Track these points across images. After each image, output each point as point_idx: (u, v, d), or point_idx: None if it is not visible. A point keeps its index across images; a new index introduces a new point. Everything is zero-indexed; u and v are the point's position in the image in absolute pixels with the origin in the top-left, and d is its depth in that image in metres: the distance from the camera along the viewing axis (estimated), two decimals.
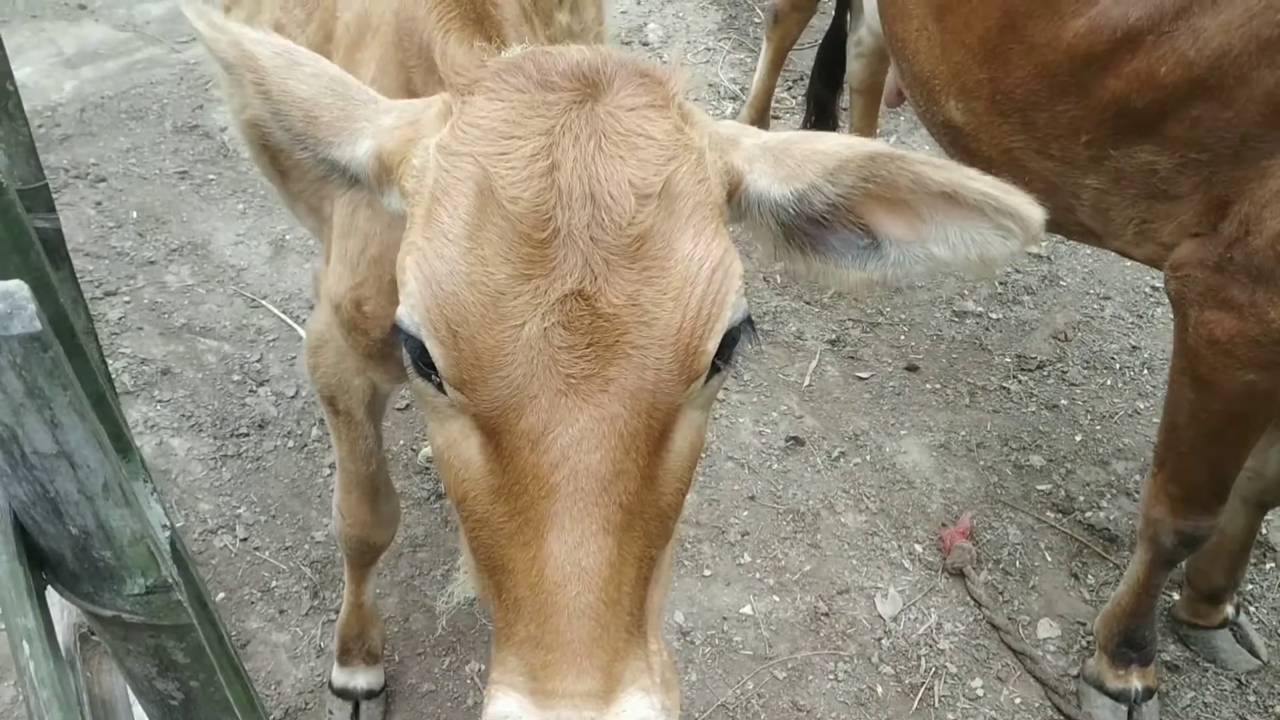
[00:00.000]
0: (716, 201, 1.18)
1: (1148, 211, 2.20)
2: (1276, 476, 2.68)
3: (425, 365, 1.14)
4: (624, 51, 1.20)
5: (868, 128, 3.97)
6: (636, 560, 1.11)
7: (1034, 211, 1.13)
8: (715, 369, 1.16)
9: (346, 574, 2.60)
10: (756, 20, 5.22)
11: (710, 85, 4.94)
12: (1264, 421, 2.29)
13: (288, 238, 4.00)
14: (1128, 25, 2.01)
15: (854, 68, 3.89)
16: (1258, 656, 2.96)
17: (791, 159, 1.23)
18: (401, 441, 3.37)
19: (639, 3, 5.39)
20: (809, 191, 1.20)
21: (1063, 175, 2.28)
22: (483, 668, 2.84)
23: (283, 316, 3.68)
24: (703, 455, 3.28)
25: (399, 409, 3.46)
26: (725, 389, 3.52)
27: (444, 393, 1.14)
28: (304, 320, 3.64)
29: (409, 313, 1.13)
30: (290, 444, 3.32)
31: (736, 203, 1.25)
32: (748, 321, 1.17)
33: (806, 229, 1.24)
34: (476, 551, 1.17)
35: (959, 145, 2.53)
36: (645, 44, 5.16)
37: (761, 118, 4.24)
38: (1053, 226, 2.56)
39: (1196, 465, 2.42)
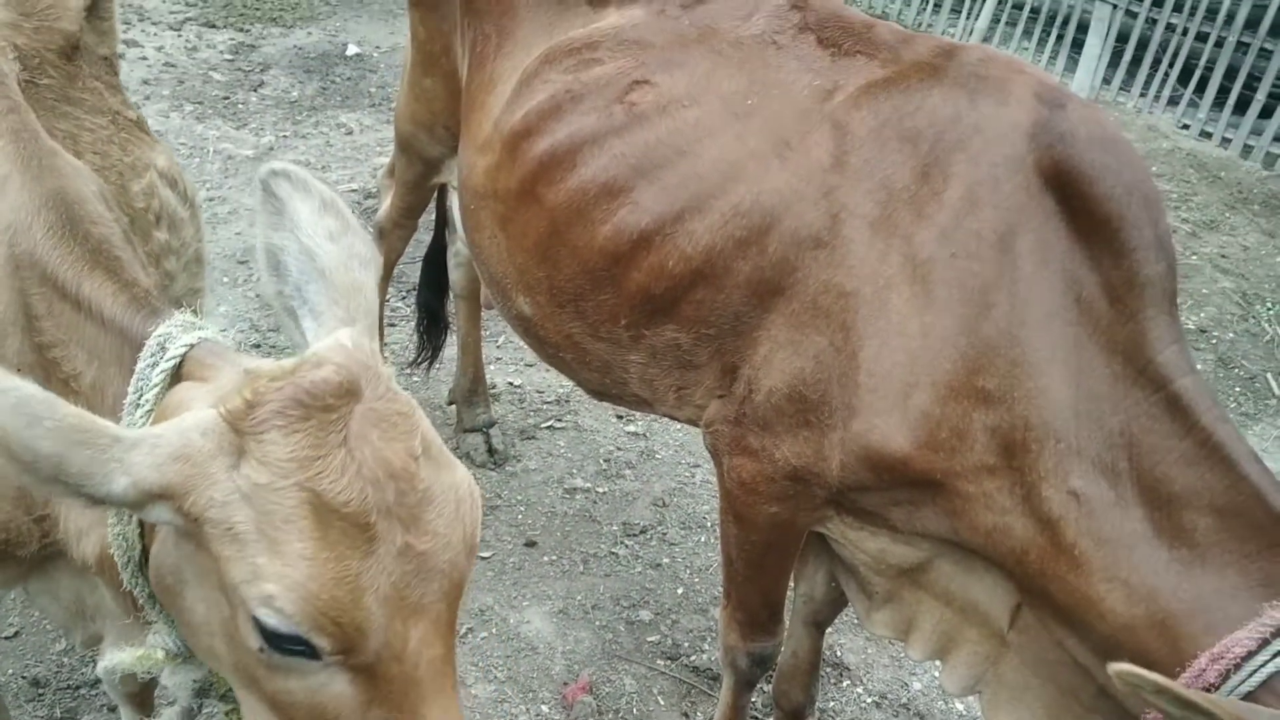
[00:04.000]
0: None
1: (680, 380, 2.71)
2: (824, 598, 3.17)
3: (293, 650, 1.43)
4: (334, 350, 1.51)
5: (474, 328, 4.44)
6: None
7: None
8: None
9: None
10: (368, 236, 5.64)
11: None
12: (792, 546, 2.72)
13: None
14: (640, 229, 2.57)
15: (455, 276, 4.39)
16: None
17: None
18: (11, 670, 3.30)
19: (252, 224, 5.69)
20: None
21: (613, 353, 2.77)
22: None
23: None
24: None
25: (5, 638, 3.40)
26: None
27: (317, 659, 1.44)
28: None
29: (284, 622, 1.39)
30: None
31: None
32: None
33: None
34: None
35: (530, 334, 3.01)
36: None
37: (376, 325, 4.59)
38: (617, 399, 3.08)
39: (751, 592, 2.84)
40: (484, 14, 3.13)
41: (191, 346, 1.73)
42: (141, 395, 1.71)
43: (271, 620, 1.40)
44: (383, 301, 4.64)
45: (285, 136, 6.81)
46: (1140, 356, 2.20)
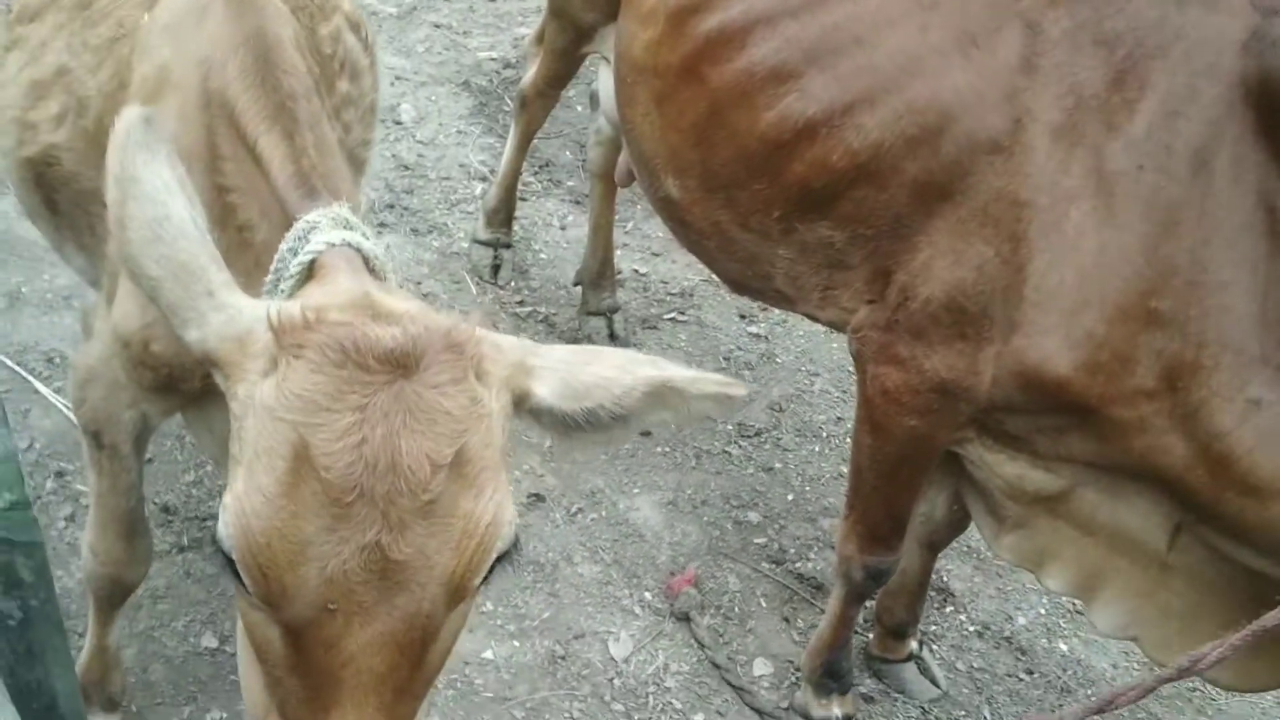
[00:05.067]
0: (501, 450, 1.46)
1: (829, 279, 2.67)
2: (944, 520, 3.16)
3: (237, 574, 1.37)
4: (430, 317, 1.45)
5: (607, 210, 4.41)
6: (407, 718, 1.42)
7: (742, 393, 1.59)
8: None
9: (91, 617, 2.66)
10: (505, 108, 5.64)
11: (461, 166, 5.30)
12: (927, 463, 2.70)
13: (24, 290, 4.01)
14: (806, 118, 2.50)
15: (593, 155, 4.35)
16: (938, 686, 3.46)
17: (580, 382, 1.53)
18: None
19: (393, 84, 5.72)
20: (597, 409, 1.53)
21: (760, 245, 2.73)
22: (224, 716, 2.95)
23: (16, 368, 3.70)
24: None
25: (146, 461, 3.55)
26: None
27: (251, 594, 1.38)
28: (40, 374, 3.67)
29: (226, 541, 1.34)
30: None
31: (525, 411, 1.56)
32: (513, 546, 1.47)
33: (585, 426, 1.56)
34: (266, 685, 1.44)
35: (676, 218, 2.97)
36: (398, 123, 5.48)
37: (509, 197, 4.62)
38: (758, 294, 3.05)
39: (878, 505, 2.82)
40: None
41: (332, 246, 1.67)
42: (280, 280, 1.69)
43: (222, 534, 1.35)
44: (518, 173, 4.63)
45: None
46: None
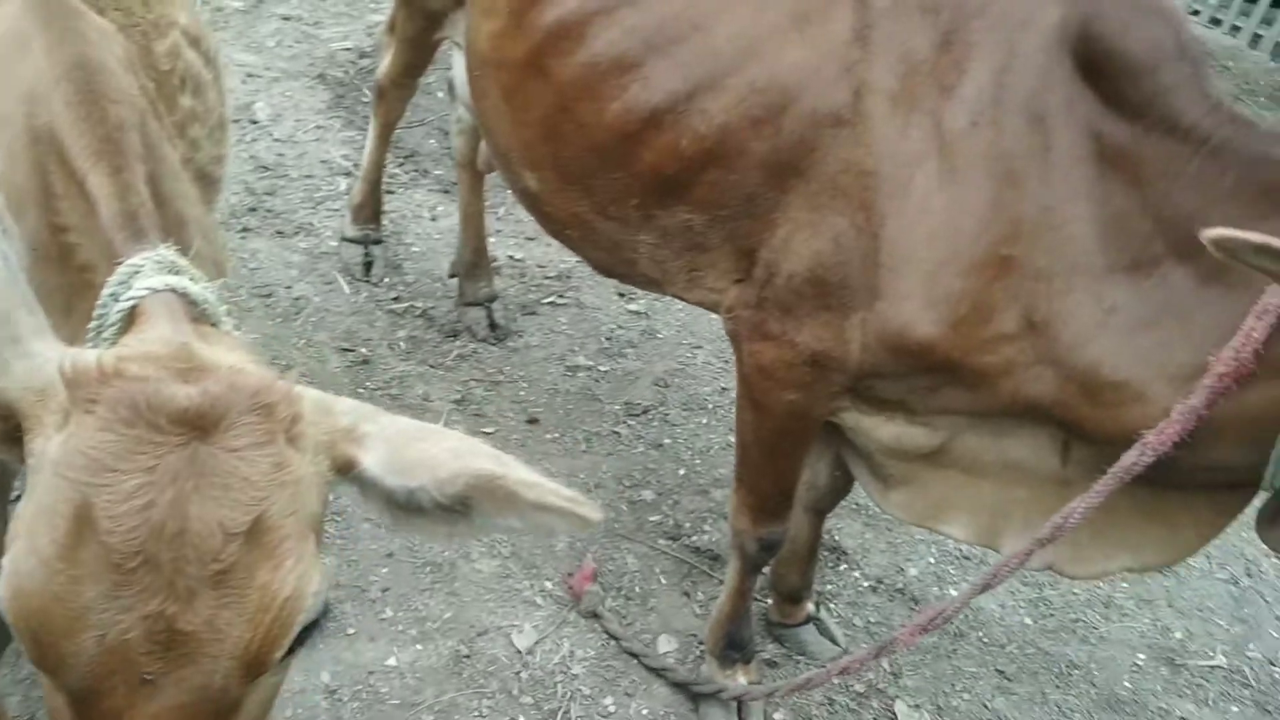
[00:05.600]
0: (311, 516, 1.38)
1: (693, 262, 2.69)
2: (827, 486, 3.23)
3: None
4: (240, 375, 1.36)
5: (475, 199, 4.38)
6: None
7: (596, 515, 1.45)
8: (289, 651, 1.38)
9: None
10: (364, 100, 5.54)
11: (323, 162, 5.20)
12: (809, 434, 2.75)
13: None
14: (652, 107, 2.51)
15: (457, 143, 4.30)
16: (838, 644, 3.54)
17: (407, 458, 1.43)
18: None
19: (245, 81, 5.58)
20: (419, 491, 1.42)
21: (622, 233, 2.74)
22: None
23: None
24: (339, 518, 3.54)
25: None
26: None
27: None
28: None
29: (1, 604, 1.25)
30: None
31: (351, 480, 1.46)
32: (323, 614, 1.39)
33: (409, 507, 1.46)
34: None
35: (537, 209, 2.97)
36: (254, 122, 5.35)
37: (374, 190, 4.55)
38: (625, 278, 3.07)
39: (765, 479, 2.87)
40: None
41: (154, 291, 1.58)
42: (103, 328, 1.60)
43: None
44: (382, 166, 4.57)
45: None
46: (1174, 131, 2.18)
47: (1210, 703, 3.73)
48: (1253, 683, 3.84)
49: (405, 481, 1.42)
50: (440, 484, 1.41)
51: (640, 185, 2.61)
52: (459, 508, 1.44)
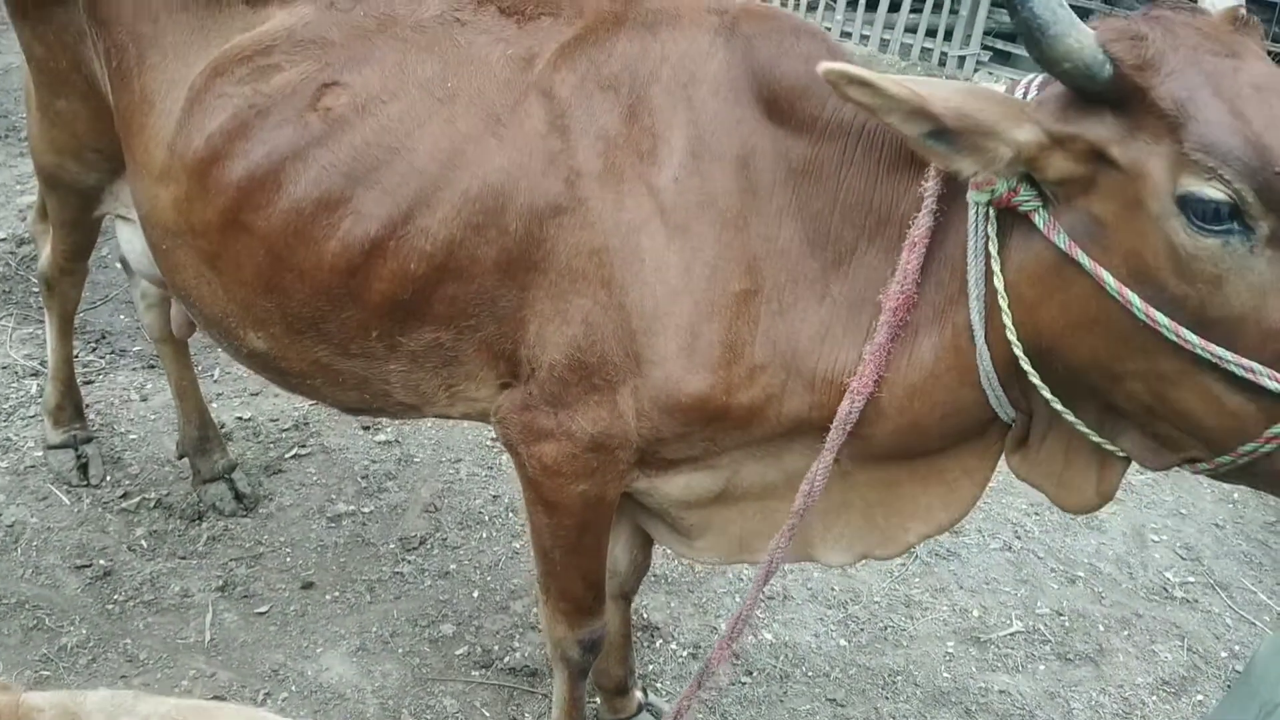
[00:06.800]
0: None
1: (450, 378, 2.63)
2: (629, 569, 3.22)
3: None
4: None
5: (186, 370, 4.13)
6: None
7: None
8: None
9: None
10: (35, 290, 5.14)
11: (4, 369, 4.78)
12: (607, 521, 2.73)
13: None
14: (370, 238, 2.45)
15: (148, 320, 4.04)
16: None
17: None
18: None
19: None
20: None
21: (369, 368, 2.66)
22: None
23: None
24: None
25: None
26: (125, 677, 3.44)
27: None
28: None
29: None
30: None
31: None
32: None
33: None
34: None
35: (269, 368, 2.83)
36: None
37: (69, 387, 4.22)
38: (380, 413, 2.97)
39: (572, 578, 2.82)
40: (112, 22, 2.85)
41: None
42: None
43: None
44: (70, 359, 4.24)
45: None
46: (841, 127, 2.35)
47: (1020, 668, 3.96)
48: (1050, 637, 4.11)
49: None
50: None
51: (378, 316, 2.54)
52: None
